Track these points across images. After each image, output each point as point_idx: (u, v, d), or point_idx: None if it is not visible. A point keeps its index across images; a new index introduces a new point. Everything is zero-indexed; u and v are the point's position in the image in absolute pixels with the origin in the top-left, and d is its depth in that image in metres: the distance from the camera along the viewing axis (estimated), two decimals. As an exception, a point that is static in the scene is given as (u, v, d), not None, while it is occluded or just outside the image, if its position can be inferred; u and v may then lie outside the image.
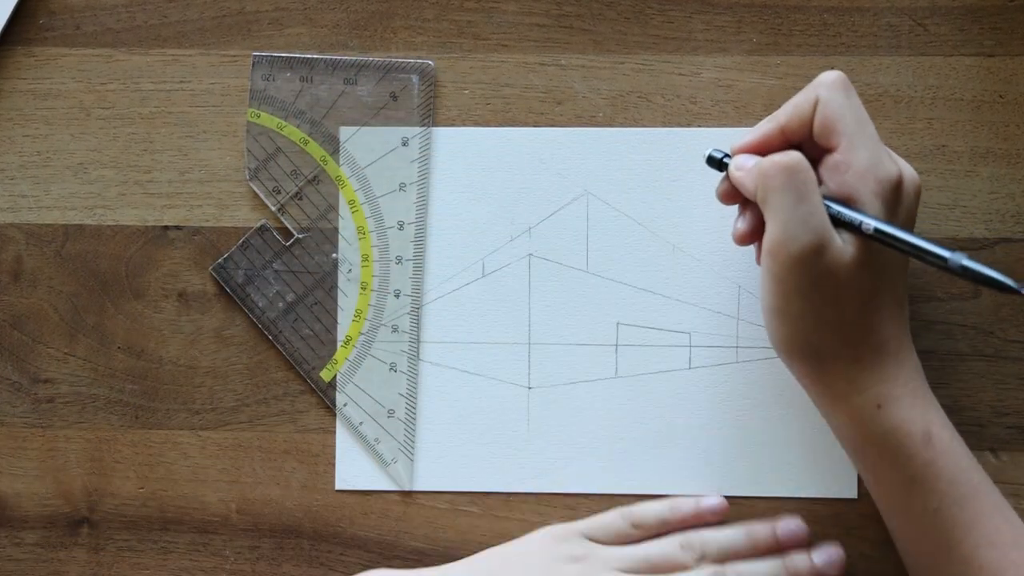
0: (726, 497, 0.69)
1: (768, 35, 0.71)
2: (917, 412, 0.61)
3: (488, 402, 0.71)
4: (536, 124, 0.71)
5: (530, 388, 0.71)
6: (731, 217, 0.65)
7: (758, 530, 0.67)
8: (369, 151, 0.71)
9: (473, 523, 0.71)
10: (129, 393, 0.71)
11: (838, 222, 0.60)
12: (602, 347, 0.71)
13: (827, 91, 0.61)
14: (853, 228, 0.60)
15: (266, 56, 0.71)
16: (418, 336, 0.71)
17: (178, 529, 0.71)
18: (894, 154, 0.63)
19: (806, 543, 0.67)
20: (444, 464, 0.71)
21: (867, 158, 0.60)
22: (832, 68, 0.70)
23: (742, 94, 0.71)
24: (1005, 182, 0.70)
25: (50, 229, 0.72)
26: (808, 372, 0.63)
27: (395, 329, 0.71)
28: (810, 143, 0.62)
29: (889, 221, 0.60)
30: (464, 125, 0.71)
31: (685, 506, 0.68)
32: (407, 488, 0.71)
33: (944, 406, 0.63)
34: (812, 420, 0.69)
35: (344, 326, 0.71)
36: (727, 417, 0.70)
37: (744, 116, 0.71)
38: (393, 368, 0.71)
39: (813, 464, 0.70)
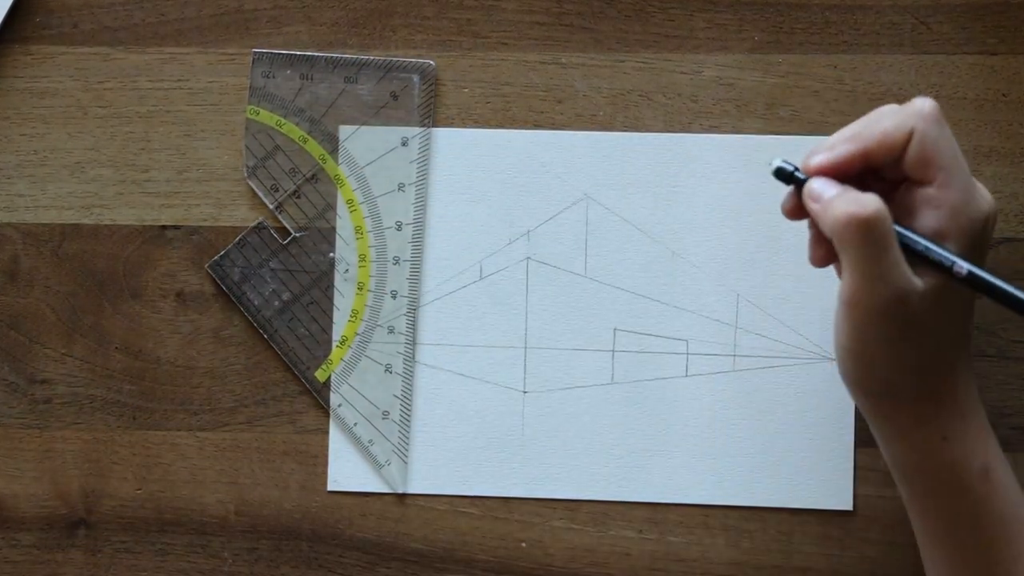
0: (719, 507, 0.69)
1: (770, 33, 0.71)
2: (979, 446, 0.60)
3: (483, 405, 0.71)
4: (536, 123, 0.71)
5: (525, 392, 0.70)
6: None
7: None
8: (368, 150, 0.71)
9: (473, 524, 0.71)
10: (127, 394, 0.71)
11: (922, 257, 0.58)
12: (599, 353, 0.70)
13: (924, 123, 0.58)
14: (941, 268, 0.58)
15: (266, 53, 0.71)
16: (414, 338, 0.71)
17: (176, 531, 0.71)
18: (982, 187, 0.60)
19: None
20: (438, 467, 0.71)
21: (962, 195, 0.58)
22: (834, 67, 0.70)
23: (744, 92, 0.71)
24: (1008, 181, 0.70)
25: (47, 228, 0.72)
26: (880, 410, 0.62)
27: (391, 330, 0.71)
28: (893, 167, 0.60)
29: (978, 264, 0.58)
30: (463, 124, 0.71)
31: None
32: (400, 491, 0.70)
33: (947, 407, 0.63)
34: (809, 431, 0.68)
35: (340, 326, 0.71)
36: (723, 426, 0.70)
37: (746, 115, 0.70)
38: (388, 369, 0.71)
39: (809, 476, 0.70)
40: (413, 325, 0.71)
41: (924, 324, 0.58)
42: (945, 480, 0.60)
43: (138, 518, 0.71)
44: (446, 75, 0.71)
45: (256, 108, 0.71)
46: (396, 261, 0.71)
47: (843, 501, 0.69)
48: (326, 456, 0.71)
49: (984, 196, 0.59)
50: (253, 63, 0.71)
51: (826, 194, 0.59)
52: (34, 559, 0.71)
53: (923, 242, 0.58)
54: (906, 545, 0.68)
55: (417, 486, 0.71)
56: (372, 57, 0.71)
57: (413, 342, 0.71)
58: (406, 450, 0.71)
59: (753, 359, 0.70)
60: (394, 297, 0.71)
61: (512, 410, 0.70)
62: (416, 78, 0.71)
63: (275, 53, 0.71)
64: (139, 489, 0.71)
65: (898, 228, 0.58)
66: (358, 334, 0.71)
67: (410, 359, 0.71)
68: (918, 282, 0.58)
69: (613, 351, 0.70)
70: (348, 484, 0.71)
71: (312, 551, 0.71)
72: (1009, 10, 0.70)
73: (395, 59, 0.71)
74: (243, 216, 0.71)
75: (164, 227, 0.71)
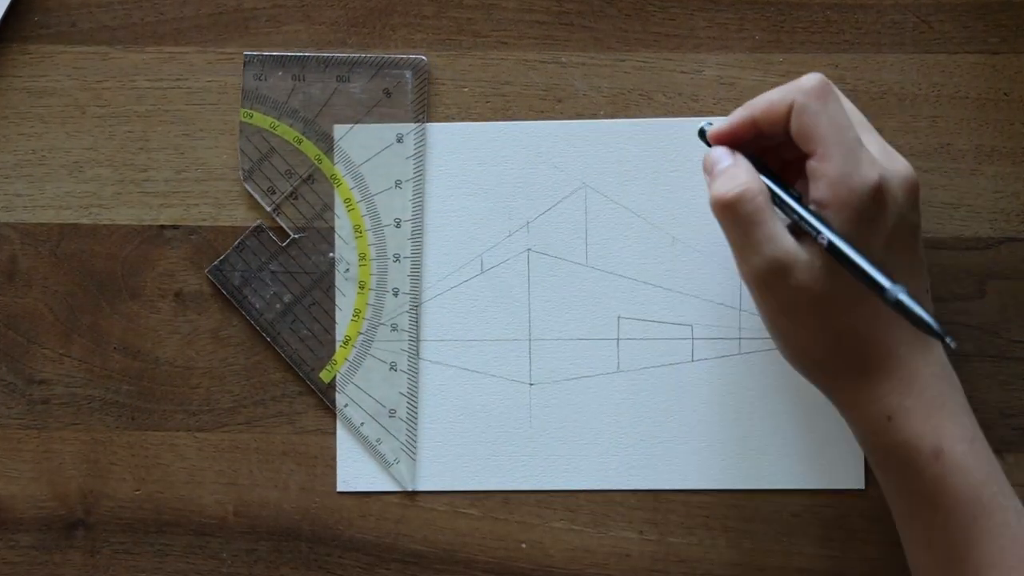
0: (731, 491, 0.69)
1: (771, 32, 0.71)
2: (929, 425, 0.60)
3: (490, 399, 0.70)
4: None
5: (531, 384, 0.70)
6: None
7: None
8: (364, 149, 0.71)
9: (472, 525, 0.70)
10: (125, 394, 0.71)
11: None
12: (603, 341, 0.70)
13: (804, 97, 0.60)
14: (812, 238, 0.59)
15: (257, 55, 0.71)
16: (418, 334, 0.70)
17: (175, 532, 0.71)
18: (889, 153, 0.61)
19: None
20: (446, 463, 0.71)
21: (840, 166, 0.59)
22: (835, 66, 0.70)
23: (744, 92, 0.70)
24: (1010, 181, 0.70)
25: (45, 228, 0.71)
26: (818, 384, 0.63)
27: (394, 328, 0.70)
28: (790, 140, 0.62)
29: (845, 238, 0.58)
30: (463, 123, 0.71)
31: None
32: (410, 488, 0.70)
33: (949, 407, 0.63)
34: (817, 411, 0.68)
35: (343, 326, 0.70)
36: (731, 409, 0.70)
37: (746, 114, 0.70)
38: (393, 367, 0.70)
39: (819, 455, 0.69)
40: (416, 322, 0.71)
41: (825, 297, 0.59)
42: (896, 459, 0.60)
43: (137, 519, 0.71)
44: (445, 74, 0.71)
45: (249, 111, 0.71)
46: (396, 258, 0.71)
47: (855, 479, 0.69)
48: (326, 456, 0.70)
49: (873, 166, 0.59)
50: (245, 66, 0.71)
51: (718, 165, 0.62)
52: (32, 560, 0.71)
53: (799, 212, 0.60)
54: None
55: (426, 483, 0.70)
56: (363, 55, 0.71)
57: (417, 339, 0.70)
58: (414, 448, 0.70)
59: (759, 341, 0.69)
60: (396, 295, 0.71)
61: (519, 403, 0.70)
62: (409, 74, 0.71)
63: (266, 55, 0.71)
64: (138, 490, 0.71)
65: (785, 196, 0.60)
66: (361, 333, 0.71)
67: (414, 356, 0.70)
68: (802, 253, 0.59)
69: (618, 339, 0.70)
70: (357, 484, 0.71)
71: (311, 552, 0.70)
72: (1011, 9, 0.70)
73: (387, 56, 0.71)
74: (242, 216, 0.71)
75: (163, 227, 0.71)
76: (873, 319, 0.60)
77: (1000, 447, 0.69)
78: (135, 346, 0.71)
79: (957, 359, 0.69)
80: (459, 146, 0.71)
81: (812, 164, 0.60)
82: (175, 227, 0.71)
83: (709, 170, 0.62)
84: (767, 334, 0.64)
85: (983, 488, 0.60)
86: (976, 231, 0.70)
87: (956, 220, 0.70)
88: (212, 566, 0.71)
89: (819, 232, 0.59)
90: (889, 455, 0.61)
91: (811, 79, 0.60)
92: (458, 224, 0.71)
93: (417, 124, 0.71)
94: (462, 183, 0.71)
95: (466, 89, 0.71)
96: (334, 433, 0.71)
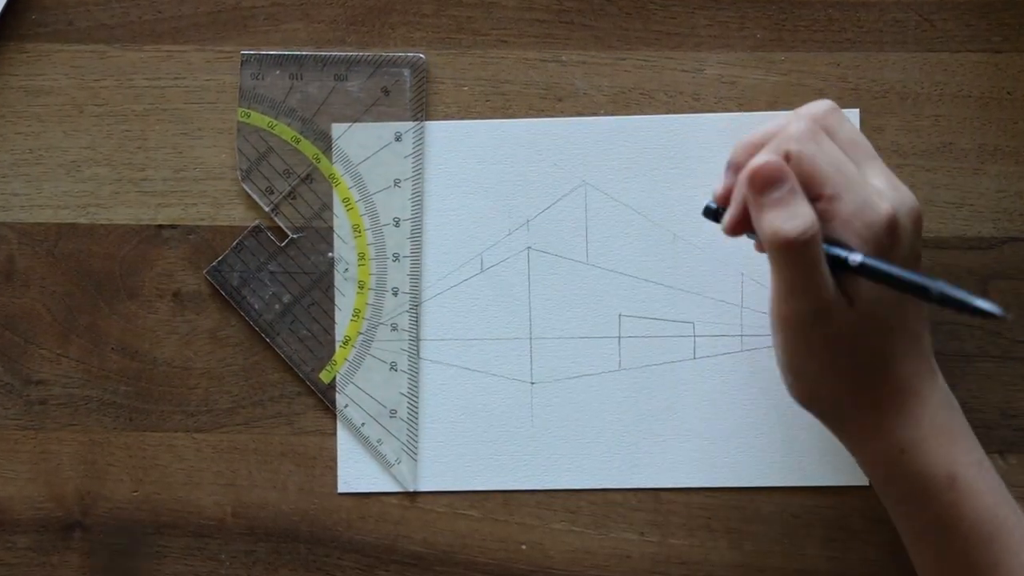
0: (732, 492, 0.69)
1: (772, 31, 0.70)
2: (941, 453, 0.60)
3: (491, 399, 0.70)
4: (536, 121, 0.71)
5: (533, 383, 0.70)
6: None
7: None
8: (362, 147, 0.71)
9: (472, 527, 0.70)
10: (123, 395, 0.71)
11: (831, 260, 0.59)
12: (605, 339, 0.70)
13: (797, 144, 0.58)
14: (840, 265, 0.58)
15: (254, 54, 0.71)
16: (418, 334, 0.70)
17: (173, 533, 0.71)
18: (895, 184, 0.60)
19: None
20: (448, 463, 0.70)
21: (851, 204, 0.58)
22: (837, 64, 0.70)
23: (746, 90, 0.70)
24: (1013, 180, 0.70)
25: (42, 228, 0.71)
26: (829, 421, 0.62)
27: (394, 327, 0.70)
28: None
29: (875, 257, 0.58)
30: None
31: None
32: (411, 489, 0.70)
33: (952, 408, 0.62)
34: None
35: (342, 326, 0.70)
36: (734, 406, 0.70)
37: (748, 113, 0.70)
38: (394, 367, 0.70)
39: (823, 452, 0.69)
40: (416, 321, 0.70)
41: (855, 337, 0.59)
42: (911, 490, 0.60)
43: (134, 520, 0.71)
44: (445, 73, 0.71)
45: (247, 110, 0.71)
46: (396, 258, 0.70)
47: (858, 476, 0.69)
48: (324, 457, 0.70)
49: (886, 197, 0.59)
50: (242, 65, 0.71)
51: (774, 191, 0.58)
52: (29, 562, 0.71)
53: (830, 246, 0.58)
54: (910, 547, 0.68)
55: (427, 484, 0.70)
56: (361, 54, 0.70)
57: (417, 338, 0.70)
58: (415, 448, 0.70)
59: (761, 338, 0.69)
60: (395, 294, 0.70)
61: (520, 402, 0.70)
62: (407, 72, 0.71)
63: (263, 54, 0.71)
64: (135, 491, 0.71)
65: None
66: (361, 333, 0.70)
67: (415, 356, 0.70)
68: (839, 296, 0.58)
69: (619, 337, 0.70)
70: (358, 485, 0.70)
71: (310, 554, 0.70)
72: (1014, 7, 0.70)
73: (385, 54, 0.71)
74: (241, 216, 0.71)
75: (161, 226, 0.71)
76: (890, 356, 0.60)
77: (1002, 448, 0.69)
78: (133, 346, 0.71)
79: (958, 359, 0.69)
80: (458, 144, 0.71)
81: (821, 207, 0.58)
82: (173, 227, 0.71)
83: (764, 188, 0.58)
84: (768, 330, 0.63)
85: (997, 509, 0.60)
86: (979, 231, 0.70)
87: (959, 220, 0.70)
88: (210, 568, 0.70)
89: (847, 257, 0.57)
90: (903, 487, 0.61)
91: (799, 124, 0.59)
92: (458, 223, 0.70)
93: (416, 123, 0.70)
94: (461, 181, 0.70)
95: (466, 88, 0.71)
96: (333, 434, 0.70)
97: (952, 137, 0.70)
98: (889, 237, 0.58)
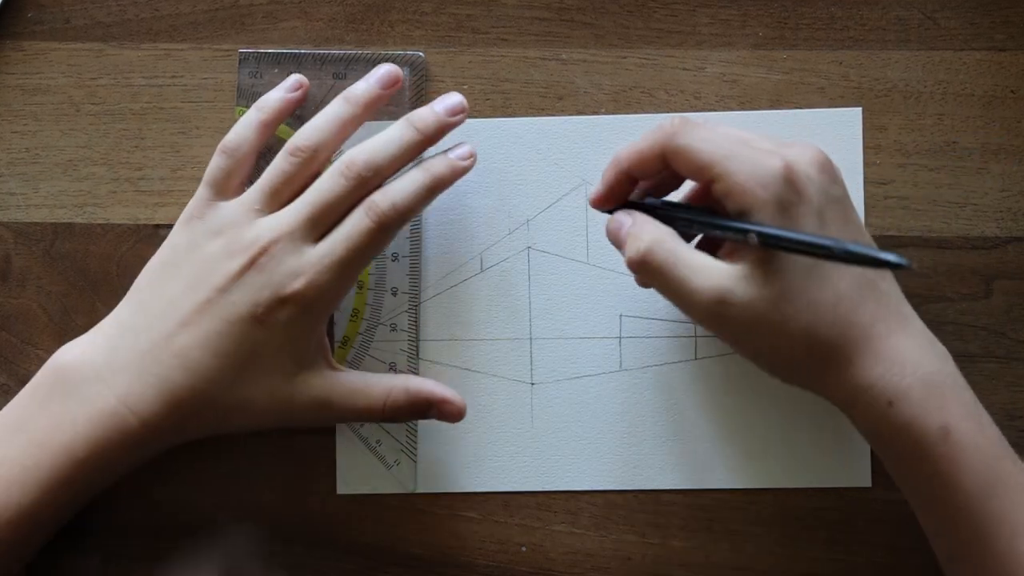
0: (734, 494, 0.69)
1: (774, 29, 0.70)
2: (932, 404, 0.59)
3: (491, 399, 0.70)
4: (537, 120, 0.71)
5: (533, 384, 0.70)
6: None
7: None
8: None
9: (472, 528, 0.70)
10: (120, 395, 0.70)
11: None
12: (605, 340, 0.70)
13: (669, 138, 0.60)
14: (742, 242, 0.59)
15: (252, 52, 0.70)
16: (417, 334, 0.70)
17: (169, 535, 0.70)
18: (785, 143, 0.60)
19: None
20: (447, 464, 0.70)
21: (740, 173, 0.59)
22: (840, 63, 0.70)
23: (747, 89, 0.70)
24: (1017, 179, 0.69)
25: (39, 228, 0.71)
26: (812, 388, 0.62)
27: (393, 328, 0.70)
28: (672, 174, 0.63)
29: (778, 226, 0.58)
30: (463, 121, 0.71)
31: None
32: (411, 490, 0.70)
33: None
34: (822, 408, 0.67)
35: (341, 326, 0.70)
36: (735, 407, 0.69)
37: (750, 112, 0.70)
38: (392, 368, 0.70)
39: (826, 453, 0.69)
40: (415, 321, 0.70)
41: (775, 299, 0.59)
42: (904, 445, 0.59)
43: (131, 522, 0.70)
44: (445, 71, 0.71)
45: (244, 109, 0.70)
46: (395, 258, 0.70)
47: (862, 477, 0.69)
48: (323, 458, 0.70)
49: (772, 156, 0.59)
50: (240, 63, 0.70)
51: (621, 231, 0.62)
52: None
53: (719, 223, 0.60)
54: (914, 549, 0.67)
55: (426, 485, 0.70)
56: (360, 52, 0.70)
57: (416, 339, 0.70)
58: (414, 449, 0.70)
59: None
60: (394, 294, 0.70)
61: (520, 403, 0.70)
62: (406, 71, 0.70)
63: (261, 52, 0.70)
64: (132, 493, 0.70)
65: (701, 219, 0.61)
66: (360, 333, 0.70)
67: (414, 356, 0.70)
68: (734, 271, 0.59)
69: (620, 337, 0.70)
70: (357, 486, 0.70)
71: (308, 556, 0.70)
72: (1018, 5, 0.70)
73: (383, 53, 0.70)
74: (239, 215, 0.70)
75: (158, 226, 0.71)
76: (836, 304, 0.59)
77: (1007, 449, 0.68)
78: (130, 347, 0.70)
79: (962, 360, 0.69)
80: (457, 142, 0.70)
81: (716, 188, 0.59)
82: (171, 226, 0.70)
83: (617, 242, 0.63)
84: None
85: (1000, 460, 0.60)
86: (982, 230, 0.69)
87: (962, 219, 0.69)
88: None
89: (747, 231, 0.58)
90: (896, 442, 0.60)
91: (672, 123, 0.61)
92: (457, 222, 0.70)
93: (415, 121, 0.70)
94: (461, 180, 0.70)
95: (465, 86, 0.71)
96: (331, 434, 0.70)
97: (955, 136, 0.70)
98: (790, 189, 0.58)
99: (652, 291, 0.62)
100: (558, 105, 0.70)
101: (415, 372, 0.70)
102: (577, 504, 0.70)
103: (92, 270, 0.71)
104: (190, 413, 0.64)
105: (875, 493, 0.69)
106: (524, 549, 0.70)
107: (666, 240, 0.60)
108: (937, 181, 0.69)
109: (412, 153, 0.66)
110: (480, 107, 0.70)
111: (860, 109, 0.70)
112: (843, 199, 0.61)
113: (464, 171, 0.67)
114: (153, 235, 0.71)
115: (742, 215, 0.59)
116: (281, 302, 0.63)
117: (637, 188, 0.64)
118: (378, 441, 0.70)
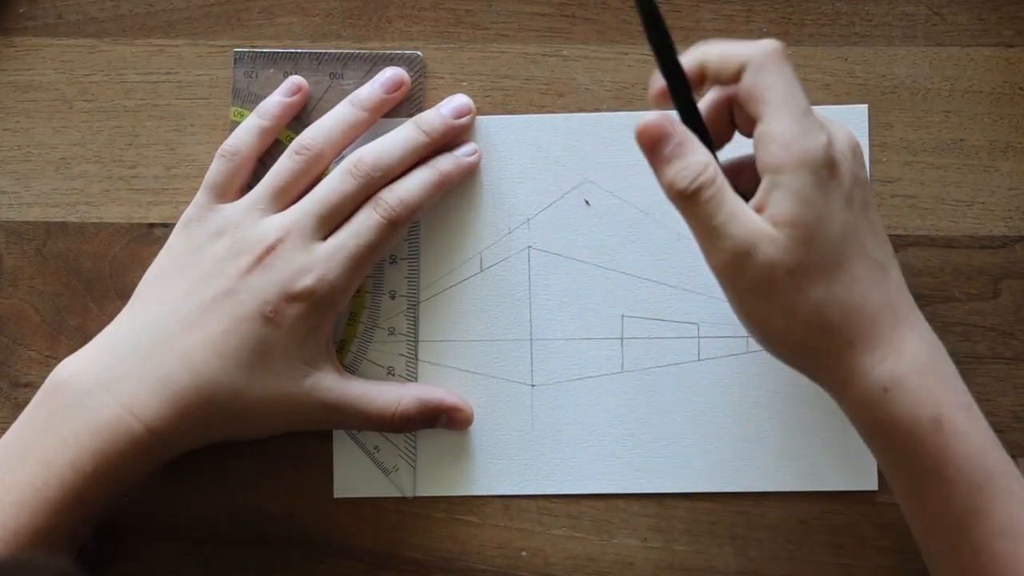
0: (738, 497, 0.69)
1: (779, 24, 0.70)
2: (926, 395, 0.59)
3: (491, 402, 0.70)
4: (537, 117, 0.71)
5: (533, 386, 0.70)
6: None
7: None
8: (358, 146, 0.69)
9: (471, 533, 0.70)
10: (114, 397, 0.70)
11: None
12: (607, 341, 0.69)
13: (762, 57, 0.59)
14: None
15: (247, 51, 0.70)
16: (416, 337, 0.69)
17: (165, 539, 0.70)
18: (831, 121, 0.60)
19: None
20: (447, 468, 0.70)
21: (793, 128, 0.58)
22: (846, 59, 0.70)
23: (751, 86, 0.69)
24: (1025, 177, 0.69)
25: (31, 227, 0.71)
26: (806, 369, 0.61)
27: (391, 331, 0.69)
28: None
29: (806, 201, 0.58)
30: (462, 118, 0.70)
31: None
32: (409, 495, 0.69)
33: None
34: (827, 410, 0.67)
35: (339, 330, 0.69)
36: (739, 409, 0.69)
37: (753, 109, 0.69)
38: (391, 372, 0.69)
39: (830, 456, 0.69)
40: (414, 324, 0.70)
41: (796, 267, 0.58)
42: (896, 434, 0.59)
43: (126, 526, 0.69)
44: (444, 68, 0.70)
45: (240, 109, 0.70)
46: (393, 260, 0.70)
47: (867, 480, 0.69)
48: (321, 462, 0.70)
49: (821, 130, 0.59)
50: (235, 63, 0.70)
51: (666, 144, 0.59)
52: (17, 569, 0.69)
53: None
54: (919, 554, 0.67)
55: (425, 489, 0.70)
56: (357, 51, 0.69)
57: (415, 342, 0.70)
58: (413, 453, 0.70)
59: None
60: (393, 297, 0.69)
61: (521, 405, 0.70)
62: (404, 69, 0.69)
63: (257, 51, 0.70)
64: (126, 496, 0.69)
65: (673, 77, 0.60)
66: (357, 337, 0.69)
67: (412, 360, 0.70)
68: (766, 228, 0.58)
69: (622, 338, 0.70)
70: (354, 490, 0.70)
71: (305, 560, 0.69)
72: (1027, 1, 0.69)
73: (381, 51, 0.70)
74: (234, 214, 0.70)
75: (152, 225, 0.70)
76: (850, 285, 0.59)
77: (1014, 452, 0.67)
78: (124, 348, 0.70)
79: (969, 361, 0.68)
80: (461, 140, 0.70)
81: (762, 128, 0.59)
82: (165, 225, 0.70)
83: (653, 146, 0.60)
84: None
85: (985, 455, 0.59)
86: (990, 229, 0.69)
87: (970, 218, 0.69)
88: (203, 574, 0.70)
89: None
90: (887, 430, 0.59)
91: (771, 42, 0.60)
92: (456, 221, 0.70)
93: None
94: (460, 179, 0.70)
95: (465, 83, 0.70)
96: (329, 438, 0.70)
97: (963, 133, 0.69)
98: (828, 165, 0.58)
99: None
100: (559, 102, 0.70)
101: (414, 375, 0.69)
102: (578, 508, 0.69)
103: (85, 270, 0.70)
104: (197, 416, 0.63)
105: (881, 497, 0.68)
106: (524, 553, 0.69)
107: (717, 176, 0.59)
108: (944, 179, 0.69)
109: (419, 155, 0.67)
110: (480, 104, 0.70)
111: (866, 106, 0.69)
112: (867, 183, 0.61)
113: (470, 168, 0.68)
114: (147, 234, 0.70)
115: (774, 169, 0.58)
116: (290, 299, 0.63)
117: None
118: (376, 447, 0.69)
